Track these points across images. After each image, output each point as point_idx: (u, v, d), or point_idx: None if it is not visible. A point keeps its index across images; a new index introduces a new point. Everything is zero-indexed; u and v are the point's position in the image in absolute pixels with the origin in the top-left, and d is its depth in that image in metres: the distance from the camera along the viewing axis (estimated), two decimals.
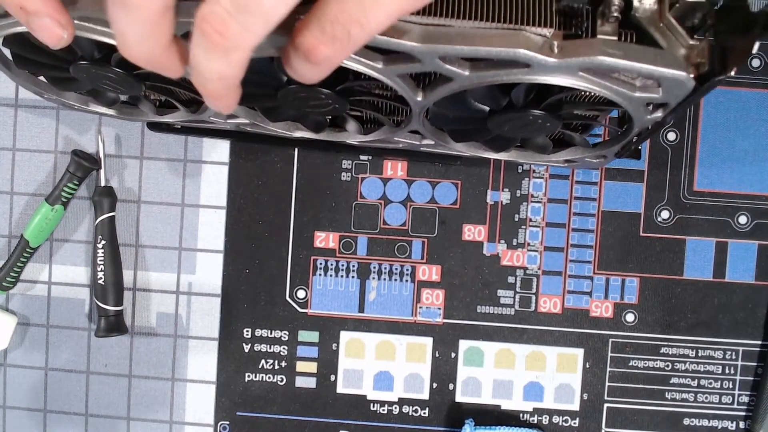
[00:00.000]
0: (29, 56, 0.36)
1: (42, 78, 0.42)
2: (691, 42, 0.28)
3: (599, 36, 0.29)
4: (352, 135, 0.43)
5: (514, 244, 0.51)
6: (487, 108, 0.35)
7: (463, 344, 0.51)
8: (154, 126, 0.51)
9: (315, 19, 0.25)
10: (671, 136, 0.51)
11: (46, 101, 0.50)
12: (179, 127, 0.49)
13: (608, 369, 0.51)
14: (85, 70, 0.36)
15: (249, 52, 0.25)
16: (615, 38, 0.29)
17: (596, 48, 0.28)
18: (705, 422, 0.51)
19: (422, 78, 0.34)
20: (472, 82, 0.30)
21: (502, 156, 0.44)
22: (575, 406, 0.51)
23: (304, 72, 0.27)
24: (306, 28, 0.25)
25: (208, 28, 0.23)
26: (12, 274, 0.51)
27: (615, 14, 0.29)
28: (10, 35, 0.32)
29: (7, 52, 0.38)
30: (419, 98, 0.33)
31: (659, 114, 0.33)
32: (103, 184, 0.51)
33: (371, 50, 0.30)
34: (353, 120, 0.42)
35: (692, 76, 0.28)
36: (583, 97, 0.35)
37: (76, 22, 0.29)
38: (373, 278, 0.52)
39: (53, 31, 0.27)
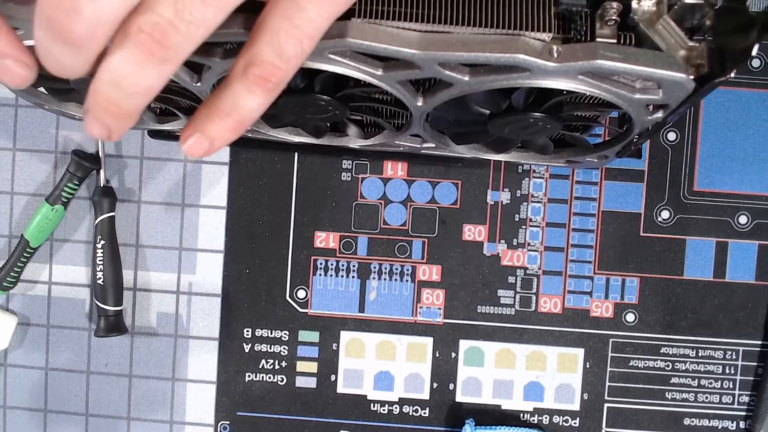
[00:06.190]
0: None
1: (42, 89, 0.42)
2: (690, 43, 0.28)
3: (598, 39, 0.29)
4: (352, 139, 0.43)
5: (515, 244, 0.51)
6: (487, 111, 0.35)
7: (464, 344, 0.51)
8: (154, 134, 0.51)
9: (265, 42, 0.23)
10: (671, 136, 0.50)
11: None
12: (180, 134, 0.49)
13: (608, 369, 0.51)
14: (85, 82, 0.36)
15: (179, 65, 0.23)
16: (614, 41, 0.29)
17: (595, 52, 0.27)
18: (705, 422, 0.51)
19: (422, 83, 0.34)
20: (472, 87, 0.30)
21: (502, 157, 0.44)
22: (576, 406, 0.51)
23: (249, 104, 0.25)
24: (257, 54, 0.24)
25: (146, 38, 0.22)
26: (12, 274, 0.51)
27: (614, 17, 0.29)
28: None
29: None
30: (419, 103, 0.33)
31: (659, 114, 0.33)
32: (103, 184, 0.51)
33: (370, 57, 0.30)
34: (354, 124, 0.42)
35: (692, 77, 0.28)
36: (583, 98, 0.35)
37: None
38: (374, 278, 0.51)
39: (18, 72, 0.26)
